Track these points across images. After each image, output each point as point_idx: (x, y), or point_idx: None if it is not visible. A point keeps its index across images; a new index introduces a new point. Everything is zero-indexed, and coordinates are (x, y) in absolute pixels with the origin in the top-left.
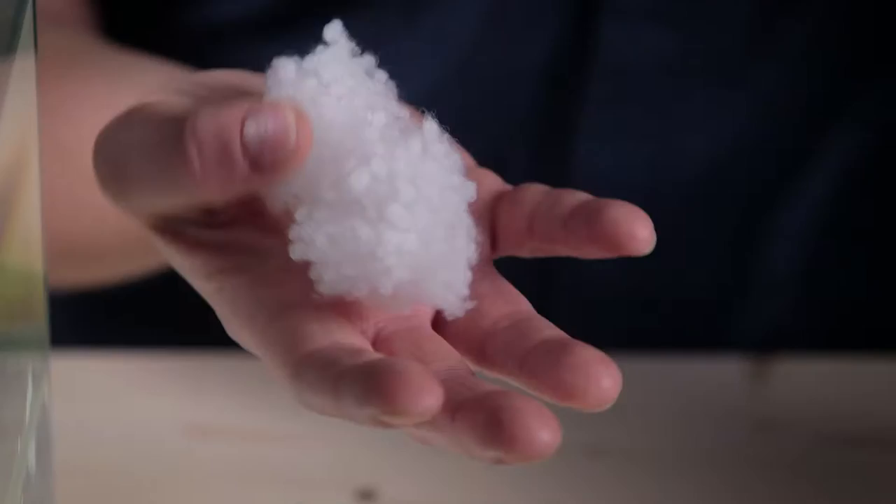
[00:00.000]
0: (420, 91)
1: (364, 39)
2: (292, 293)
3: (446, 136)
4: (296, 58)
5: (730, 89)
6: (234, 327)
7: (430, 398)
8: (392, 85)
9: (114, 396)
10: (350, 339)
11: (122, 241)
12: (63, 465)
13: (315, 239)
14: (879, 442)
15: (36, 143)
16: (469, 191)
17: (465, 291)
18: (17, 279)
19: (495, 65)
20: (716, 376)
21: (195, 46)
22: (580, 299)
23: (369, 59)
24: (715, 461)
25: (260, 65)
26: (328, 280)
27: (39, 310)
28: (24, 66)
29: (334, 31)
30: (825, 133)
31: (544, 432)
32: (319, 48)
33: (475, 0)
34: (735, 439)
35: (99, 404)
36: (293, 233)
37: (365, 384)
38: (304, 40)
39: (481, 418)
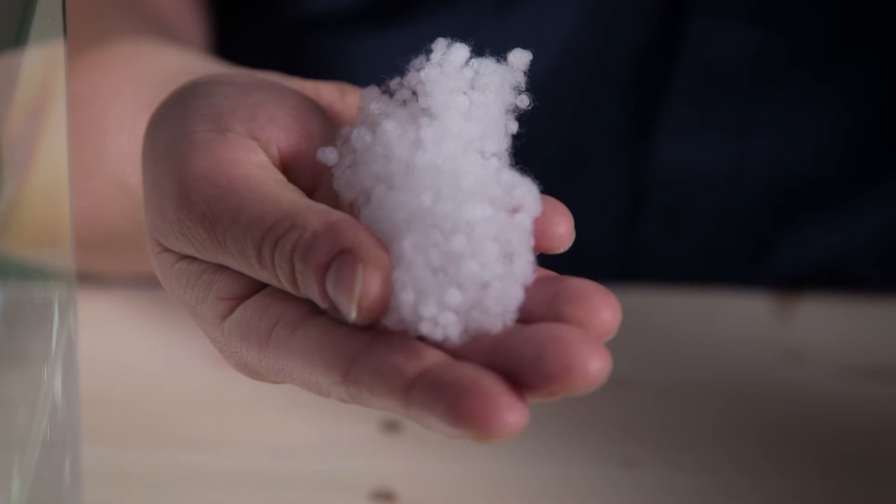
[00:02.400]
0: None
1: (458, 32)
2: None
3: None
4: (467, 47)
5: (815, 86)
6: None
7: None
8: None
9: (139, 328)
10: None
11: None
12: (88, 396)
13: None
14: None
15: (63, 72)
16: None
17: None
18: (43, 208)
19: (586, 59)
20: (744, 310)
21: (294, 38)
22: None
23: (525, 100)
24: (742, 392)
25: (356, 57)
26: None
27: (65, 239)
28: None
29: (522, 58)
30: None
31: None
32: (491, 60)
33: None
34: (761, 371)
35: (124, 336)
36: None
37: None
38: (399, 33)
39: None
